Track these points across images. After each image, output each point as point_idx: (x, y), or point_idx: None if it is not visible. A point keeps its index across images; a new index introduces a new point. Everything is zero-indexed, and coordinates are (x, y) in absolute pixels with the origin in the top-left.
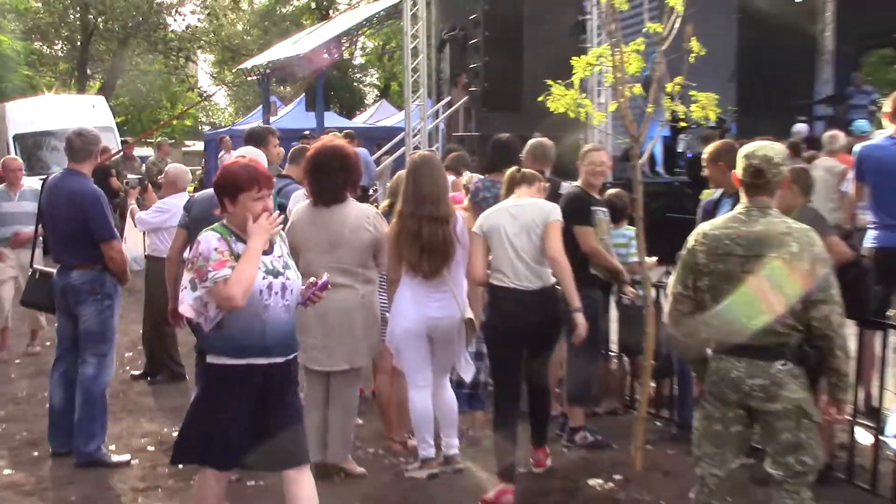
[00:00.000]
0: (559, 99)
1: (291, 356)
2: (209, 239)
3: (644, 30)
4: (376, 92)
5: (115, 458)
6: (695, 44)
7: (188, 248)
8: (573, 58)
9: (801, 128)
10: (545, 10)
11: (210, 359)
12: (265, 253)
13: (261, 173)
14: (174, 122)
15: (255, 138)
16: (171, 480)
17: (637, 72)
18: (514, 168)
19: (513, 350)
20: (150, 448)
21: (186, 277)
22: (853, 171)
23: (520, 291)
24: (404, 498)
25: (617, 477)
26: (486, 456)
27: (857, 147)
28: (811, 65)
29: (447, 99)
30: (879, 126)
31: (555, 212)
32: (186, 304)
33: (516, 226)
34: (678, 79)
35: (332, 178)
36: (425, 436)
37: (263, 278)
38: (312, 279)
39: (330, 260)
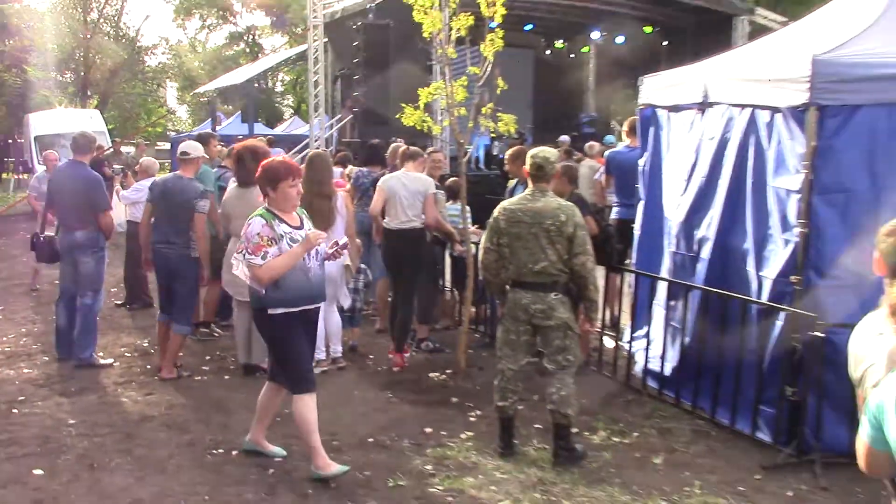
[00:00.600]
0: (410, 116)
1: (323, 302)
2: (255, 224)
3: (467, 71)
4: (291, 110)
5: (103, 361)
6: (500, 81)
7: (152, 217)
8: (420, 89)
9: (564, 138)
10: (405, 58)
11: (271, 311)
12: (298, 228)
13: (294, 167)
14: (149, 128)
15: (201, 140)
16: (142, 377)
17: (462, 99)
18: (405, 147)
19: (397, 267)
20: (127, 354)
21: (238, 250)
22: (603, 169)
23: (400, 230)
24: None
25: (448, 372)
26: (360, 358)
27: (606, 153)
28: (581, 97)
29: (339, 116)
30: (620, 138)
31: (432, 186)
32: (241, 269)
33: (407, 192)
34: (490, 105)
35: (249, 167)
36: (319, 344)
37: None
38: (336, 240)
39: None
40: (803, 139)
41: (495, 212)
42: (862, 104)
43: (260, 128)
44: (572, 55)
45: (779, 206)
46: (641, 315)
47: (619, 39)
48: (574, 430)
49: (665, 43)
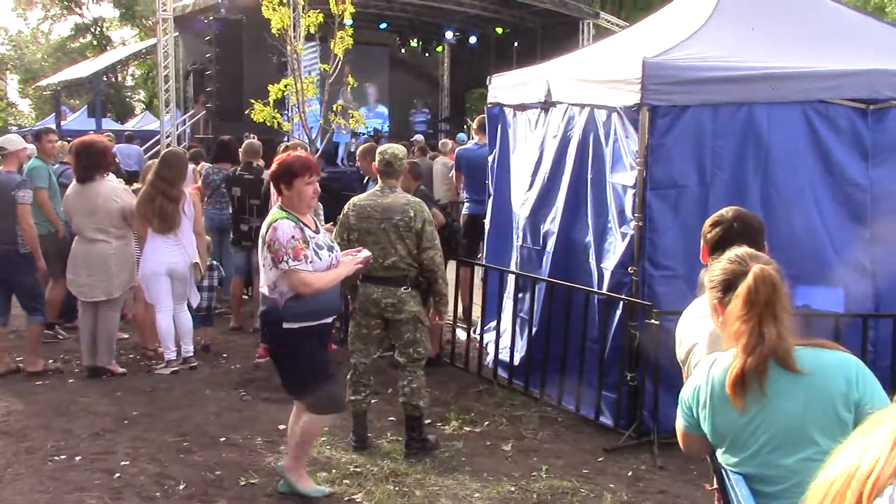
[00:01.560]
0: (260, 112)
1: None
2: (285, 227)
3: (318, 68)
4: (143, 105)
5: None
6: (350, 79)
7: None
8: (269, 85)
9: (418, 137)
10: (257, 53)
11: (287, 325)
12: (317, 232)
13: (312, 163)
14: None
15: (36, 135)
16: None
17: (313, 96)
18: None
19: None
20: None
21: (265, 258)
22: (454, 165)
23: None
24: (153, 387)
25: None
26: (213, 357)
27: (456, 150)
28: (437, 97)
29: (191, 112)
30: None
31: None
32: (269, 277)
33: None
34: (340, 102)
35: (84, 164)
36: (169, 344)
37: (329, 256)
38: (354, 250)
39: (91, 222)
40: (637, 138)
41: (346, 208)
42: (689, 105)
43: (109, 123)
44: (427, 54)
45: (616, 201)
46: (492, 307)
47: (472, 40)
48: (427, 421)
49: (515, 44)
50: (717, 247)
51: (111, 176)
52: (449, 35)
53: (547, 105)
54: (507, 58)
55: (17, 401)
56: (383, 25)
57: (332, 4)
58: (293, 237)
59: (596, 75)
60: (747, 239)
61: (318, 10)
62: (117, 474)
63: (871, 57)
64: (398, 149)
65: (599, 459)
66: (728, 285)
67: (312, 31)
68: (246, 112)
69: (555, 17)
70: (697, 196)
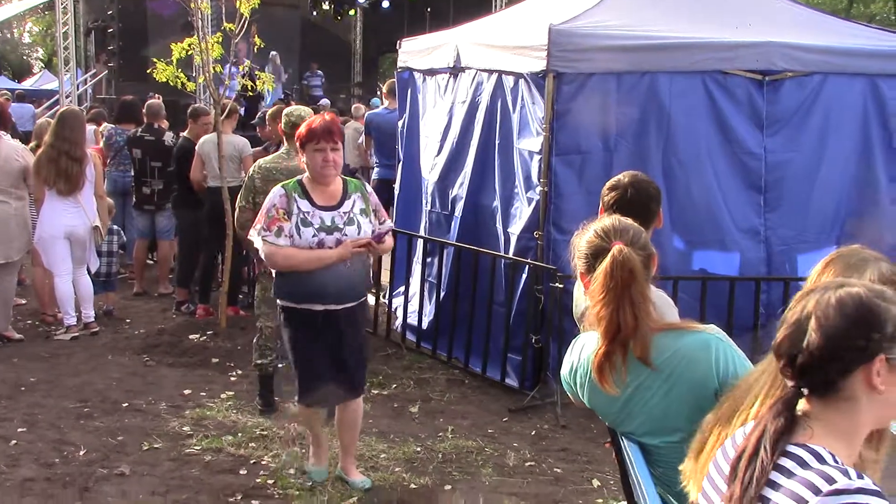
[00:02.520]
0: (162, 72)
1: (351, 303)
2: (273, 195)
3: (223, 28)
4: (41, 63)
5: None
6: (257, 39)
7: None
8: (172, 44)
9: (324, 101)
10: (163, 11)
11: (278, 301)
12: (328, 208)
13: (321, 128)
14: None
15: None
16: None
17: (219, 56)
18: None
19: None
20: None
21: (254, 224)
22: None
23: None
24: (52, 353)
25: (209, 332)
26: (116, 322)
27: (366, 115)
28: (348, 61)
29: (93, 71)
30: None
31: (247, 147)
32: (258, 243)
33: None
34: (247, 63)
35: None
36: (68, 310)
37: (314, 235)
38: (377, 229)
39: None
40: (543, 104)
41: (251, 170)
42: (594, 72)
43: (4, 81)
44: (339, 17)
45: (523, 167)
46: (400, 272)
47: (385, 4)
48: None
49: (428, 9)
50: (615, 210)
51: (7, 136)
52: None
53: (456, 70)
54: (419, 22)
55: None
56: None
57: None
58: (274, 206)
59: (504, 41)
60: (640, 205)
61: None
62: (13, 441)
63: (768, 29)
64: (304, 110)
65: (504, 420)
66: (591, 259)
67: None
68: (149, 71)
69: None
70: (602, 162)
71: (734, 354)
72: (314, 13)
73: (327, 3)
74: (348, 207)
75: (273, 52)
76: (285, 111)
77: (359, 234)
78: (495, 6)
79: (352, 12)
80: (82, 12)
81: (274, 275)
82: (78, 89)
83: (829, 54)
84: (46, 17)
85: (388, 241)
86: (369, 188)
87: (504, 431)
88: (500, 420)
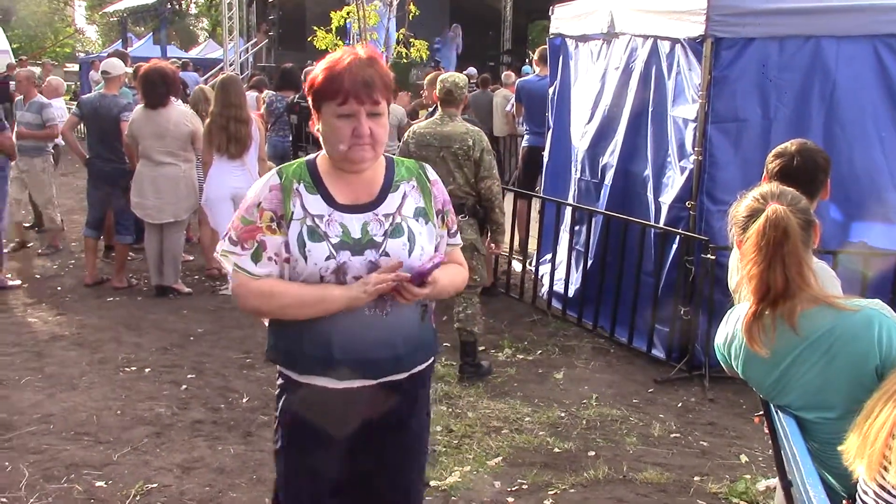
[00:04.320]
0: (322, 39)
1: (389, 377)
2: (258, 188)
3: None
4: (206, 33)
5: (11, 282)
6: (412, 7)
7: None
8: (332, 12)
9: (471, 70)
10: None
11: (280, 368)
12: (357, 209)
13: (351, 80)
14: (56, 49)
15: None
16: (52, 298)
17: (375, 23)
18: None
19: None
20: (38, 276)
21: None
22: (514, 97)
23: None
24: (217, 307)
25: None
26: None
27: (517, 81)
28: (498, 28)
29: (254, 40)
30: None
31: (405, 116)
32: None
33: None
34: (402, 30)
35: (156, 90)
36: None
37: (329, 257)
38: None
39: (160, 145)
40: (700, 70)
41: (405, 135)
42: (755, 37)
43: (173, 50)
44: None
45: (677, 135)
46: (548, 240)
47: None
48: (481, 348)
49: None
50: (779, 178)
51: (178, 101)
52: None
53: (609, 36)
54: None
55: (90, 315)
56: None
57: None
58: (257, 205)
59: (660, 6)
60: (806, 174)
61: None
62: (184, 386)
63: None
64: (459, 77)
65: (650, 390)
66: (747, 223)
67: None
68: (308, 39)
69: None
70: (759, 130)
71: None
72: None
73: None
74: (393, 206)
75: (455, 25)
76: (440, 78)
77: (410, 253)
78: None
79: None
80: None
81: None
82: (240, 58)
83: None
84: None
85: (445, 280)
86: (432, 174)
87: (649, 402)
88: (646, 391)
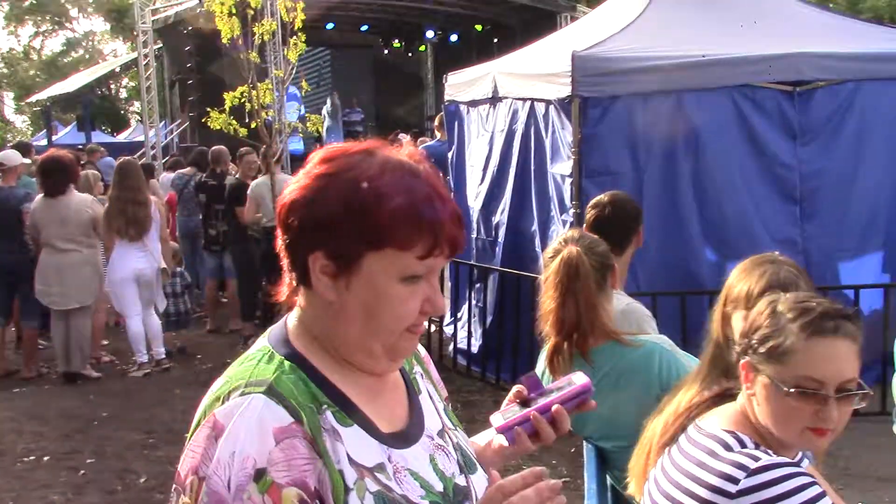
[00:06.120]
0: (216, 120)
1: None
2: (237, 439)
3: (272, 75)
4: (138, 116)
5: None
6: (304, 84)
7: None
8: (224, 93)
9: (403, 136)
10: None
11: None
12: (410, 437)
13: (443, 216)
14: None
15: (20, 148)
16: None
17: (271, 101)
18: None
19: None
20: None
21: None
22: None
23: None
24: (125, 389)
25: None
26: (187, 359)
27: (420, 147)
28: (420, 94)
29: (178, 121)
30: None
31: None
32: None
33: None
34: (298, 106)
35: (54, 178)
36: (140, 348)
37: None
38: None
39: (62, 232)
40: (571, 128)
41: None
42: (619, 94)
43: (100, 136)
44: (410, 54)
45: (557, 191)
46: (455, 299)
47: (454, 38)
48: None
49: (496, 40)
50: (593, 228)
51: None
52: (430, 34)
53: (494, 100)
54: (488, 54)
55: None
56: (364, 27)
57: (283, 13)
58: (257, 479)
59: (534, 69)
60: (618, 223)
61: (272, 20)
62: (82, 471)
63: (796, 39)
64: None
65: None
66: (549, 263)
67: (266, 39)
68: (203, 120)
69: (532, 12)
70: (632, 182)
71: (677, 362)
72: (386, 51)
73: (398, 40)
74: (436, 419)
75: (333, 93)
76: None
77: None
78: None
79: (422, 48)
80: (167, 66)
81: None
82: (164, 139)
83: (861, 61)
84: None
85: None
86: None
87: (544, 450)
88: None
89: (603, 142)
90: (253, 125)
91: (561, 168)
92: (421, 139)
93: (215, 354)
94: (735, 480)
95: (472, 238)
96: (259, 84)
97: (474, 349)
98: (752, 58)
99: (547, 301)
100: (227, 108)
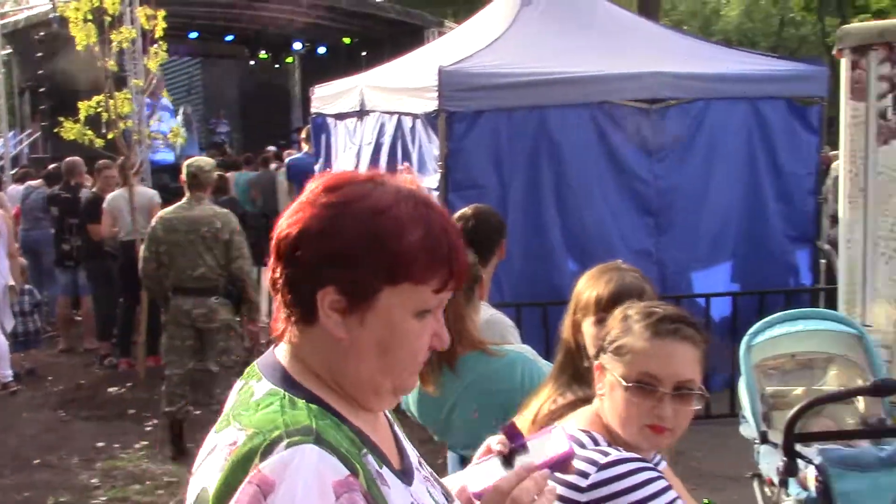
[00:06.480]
0: (69, 130)
1: None
2: (297, 497)
3: (131, 84)
4: None
5: None
6: (165, 94)
7: None
8: (79, 102)
9: (271, 148)
10: (91, 69)
11: None
12: (409, 471)
13: (454, 249)
14: None
15: None
16: None
17: (129, 112)
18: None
19: None
20: None
21: None
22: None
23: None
24: None
25: (129, 384)
26: (37, 381)
27: (286, 160)
28: (288, 106)
29: (29, 130)
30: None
31: (157, 198)
32: None
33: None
34: (157, 116)
35: None
36: None
37: None
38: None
39: None
40: (437, 142)
41: (153, 221)
42: (484, 110)
43: None
44: (277, 66)
45: None
46: None
47: (322, 50)
48: None
49: (364, 53)
50: None
51: None
52: (298, 46)
53: (362, 113)
54: (356, 67)
55: None
56: (229, 38)
57: (143, 21)
58: None
59: (402, 84)
60: (482, 236)
61: (131, 27)
62: None
63: (653, 59)
64: (204, 161)
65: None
66: None
67: (125, 46)
68: (55, 130)
69: (400, 27)
70: (497, 195)
71: (539, 371)
72: (252, 62)
73: (265, 51)
74: (414, 451)
75: (185, 106)
76: (186, 162)
77: None
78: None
79: (289, 59)
80: (15, 73)
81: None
82: (14, 149)
83: (711, 81)
84: None
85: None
86: None
87: None
88: None
89: (469, 156)
90: (110, 136)
91: (428, 182)
92: (287, 151)
93: (67, 376)
94: (586, 475)
95: None
96: (117, 93)
97: None
98: (611, 76)
99: None
100: (82, 118)
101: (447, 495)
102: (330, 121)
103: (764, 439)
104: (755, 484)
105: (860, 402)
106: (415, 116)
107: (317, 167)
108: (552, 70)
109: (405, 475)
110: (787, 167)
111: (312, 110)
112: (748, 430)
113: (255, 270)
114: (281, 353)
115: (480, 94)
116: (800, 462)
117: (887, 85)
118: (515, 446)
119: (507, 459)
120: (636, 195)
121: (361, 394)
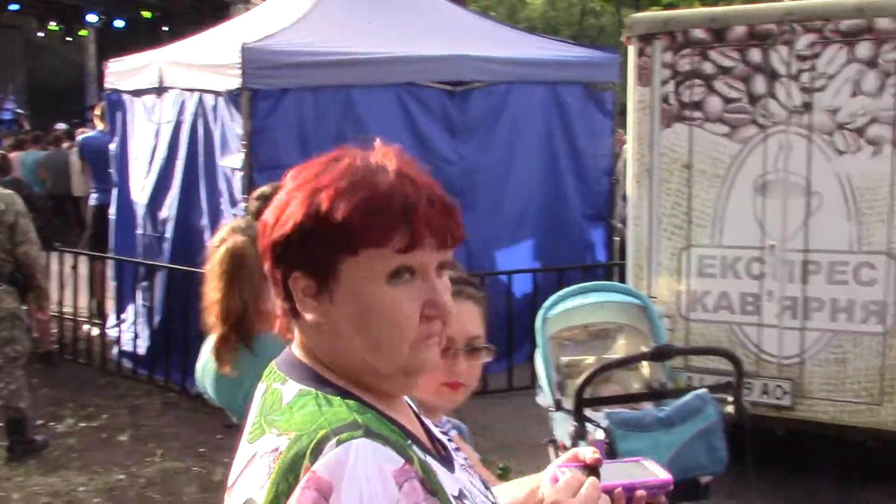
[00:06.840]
0: None
1: None
2: (364, 491)
3: None
4: None
5: None
6: None
7: None
8: None
9: (61, 125)
10: None
11: None
12: (449, 456)
13: (417, 203)
14: None
15: None
16: None
17: None
18: None
19: None
20: None
21: None
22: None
23: None
24: None
25: None
26: None
27: (79, 138)
28: (81, 82)
29: None
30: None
31: None
32: None
33: None
34: None
35: None
36: None
37: None
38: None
39: None
40: (241, 120)
41: None
42: (290, 88)
43: None
44: (70, 38)
45: (227, 184)
46: (121, 299)
47: (119, 24)
48: (39, 422)
49: (165, 28)
50: (258, 219)
51: None
52: (93, 19)
53: (160, 90)
54: (157, 42)
55: None
56: (14, 7)
57: None
58: None
59: (203, 60)
60: None
61: None
62: None
63: (458, 43)
64: None
65: (219, 437)
66: (213, 254)
67: None
68: None
69: (204, 1)
70: None
71: None
72: (41, 34)
73: (55, 22)
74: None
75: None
76: None
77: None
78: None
79: (83, 32)
80: None
81: None
82: None
83: (513, 65)
84: None
85: None
86: None
87: (217, 448)
88: (215, 437)
89: (274, 135)
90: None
91: (231, 161)
92: (80, 130)
93: None
94: None
95: (139, 234)
96: None
97: (141, 351)
98: (415, 57)
99: (212, 292)
100: None
101: (484, 482)
102: (126, 98)
103: (558, 407)
104: (550, 450)
105: (645, 368)
106: (217, 94)
107: (112, 146)
108: (358, 50)
109: (447, 462)
110: (584, 149)
111: (107, 86)
112: (544, 399)
113: (43, 256)
114: (298, 351)
115: (285, 72)
116: (589, 426)
117: (670, 72)
118: (604, 461)
119: (593, 471)
120: (441, 175)
121: (363, 378)
